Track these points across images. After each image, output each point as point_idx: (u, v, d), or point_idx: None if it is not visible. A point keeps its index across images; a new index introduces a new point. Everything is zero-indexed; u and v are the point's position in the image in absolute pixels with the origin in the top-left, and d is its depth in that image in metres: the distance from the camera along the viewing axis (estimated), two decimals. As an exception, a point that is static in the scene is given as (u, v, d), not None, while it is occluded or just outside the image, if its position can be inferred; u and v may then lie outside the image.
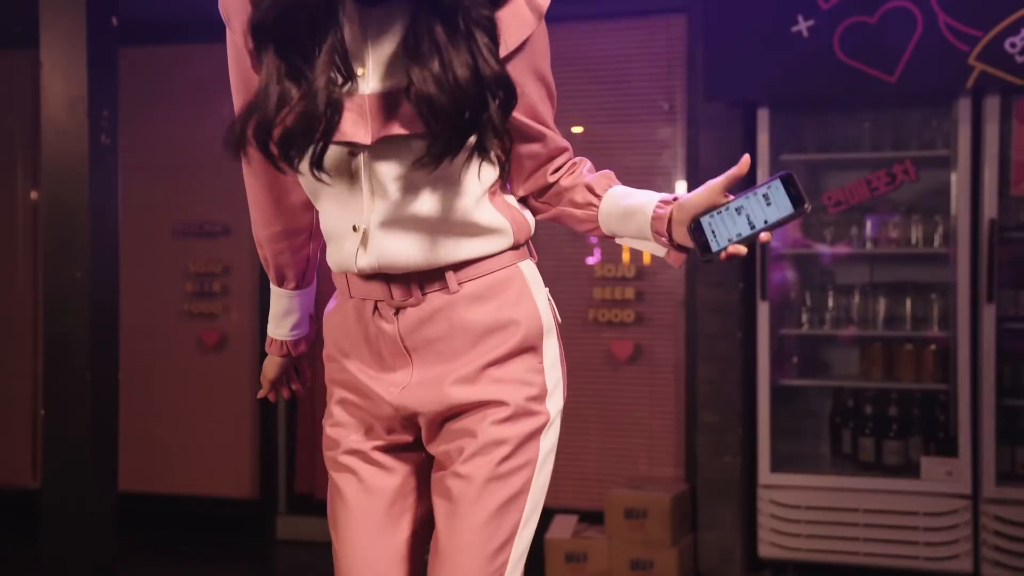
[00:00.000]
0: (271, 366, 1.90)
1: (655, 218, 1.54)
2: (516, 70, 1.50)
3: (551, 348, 1.60)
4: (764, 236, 1.46)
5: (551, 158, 1.62)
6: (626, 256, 4.58)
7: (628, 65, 4.62)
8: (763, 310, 4.17)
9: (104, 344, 3.05)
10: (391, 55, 1.45)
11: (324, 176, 1.47)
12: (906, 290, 4.27)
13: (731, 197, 1.49)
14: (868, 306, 4.30)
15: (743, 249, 1.47)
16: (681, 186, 4.51)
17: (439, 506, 1.54)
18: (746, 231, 1.46)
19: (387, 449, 1.61)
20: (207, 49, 4.99)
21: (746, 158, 1.49)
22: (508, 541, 1.51)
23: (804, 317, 4.37)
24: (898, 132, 4.25)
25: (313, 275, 1.83)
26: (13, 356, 5.21)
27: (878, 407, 4.23)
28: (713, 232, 1.48)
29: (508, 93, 1.45)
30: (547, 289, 1.64)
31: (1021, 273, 4.11)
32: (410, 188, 1.49)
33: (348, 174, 1.50)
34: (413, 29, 1.41)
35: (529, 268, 1.61)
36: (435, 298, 1.54)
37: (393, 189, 1.49)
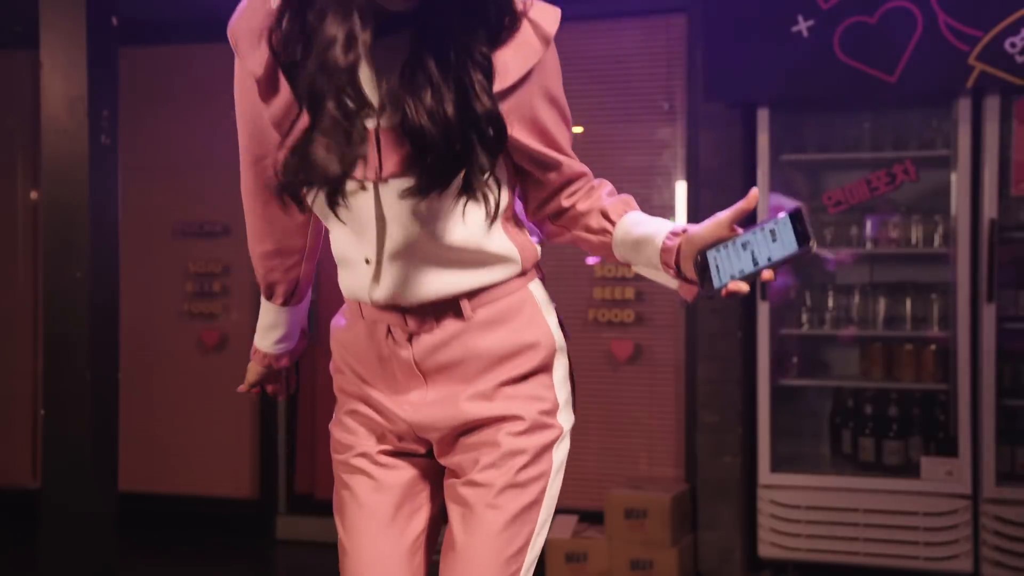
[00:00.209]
0: (252, 372, 1.89)
1: (664, 250, 1.51)
2: (524, 97, 1.48)
3: (561, 366, 1.62)
4: (766, 274, 1.43)
5: (566, 184, 1.60)
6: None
7: (628, 65, 4.62)
8: (763, 310, 4.17)
9: (104, 344, 3.05)
10: (396, 89, 1.43)
11: (338, 211, 1.46)
12: (906, 290, 4.27)
13: (739, 231, 1.45)
14: (868, 306, 4.30)
15: (744, 287, 1.43)
16: (681, 186, 4.52)
17: (454, 511, 1.55)
18: (749, 268, 1.43)
19: (397, 454, 1.62)
20: (207, 49, 5.00)
21: (754, 192, 1.45)
22: (523, 549, 1.52)
23: (804, 317, 4.37)
24: (898, 132, 4.25)
25: (304, 294, 1.82)
26: (13, 356, 5.21)
27: (878, 407, 4.23)
28: (717, 267, 1.45)
29: (498, 131, 1.43)
30: (555, 304, 1.64)
31: (1021, 273, 4.11)
32: (420, 220, 1.48)
33: (359, 207, 1.49)
34: (410, 62, 1.40)
35: (538, 289, 1.62)
36: (450, 324, 1.55)
37: (404, 222, 1.48)
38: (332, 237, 1.59)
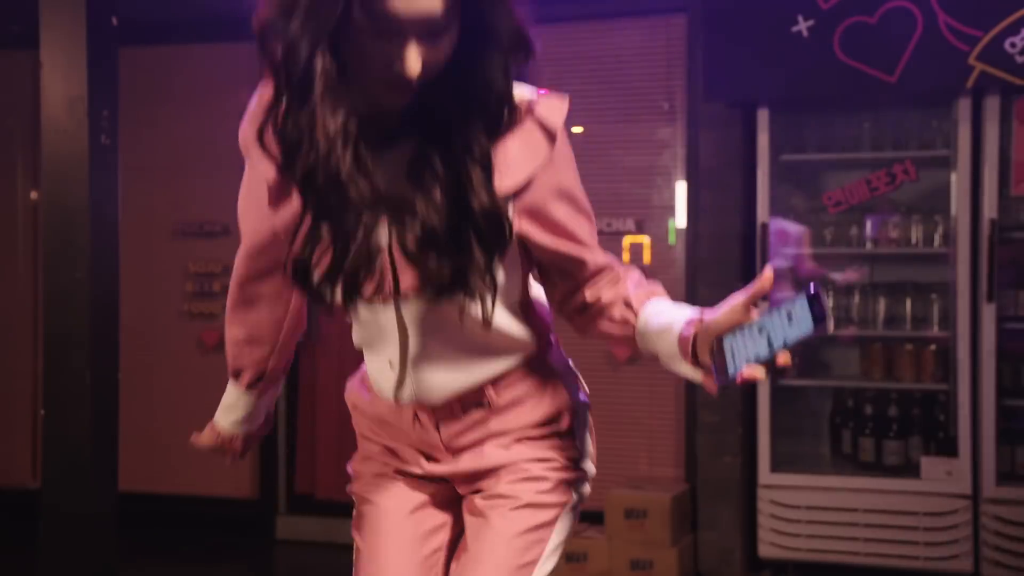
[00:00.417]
0: (205, 438, 1.83)
1: (681, 339, 1.43)
2: (535, 196, 1.42)
3: (582, 424, 1.66)
4: (782, 359, 1.35)
5: (590, 277, 1.54)
6: (626, 256, 4.58)
7: (628, 65, 4.62)
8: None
9: (104, 344, 3.04)
10: (402, 190, 1.39)
11: (358, 312, 1.49)
12: (906, 290, 4.27)
13: (755, 315, 1.39)
14: (868, 306, 4.30)
15: (760, 373, 1.35)
16: (681, 186, 4.51)
17: (470, 523, 1.57)
18: (764, 352, 1.36)
19: (419, 476, 1.64)
20: (207, 49, 5.01)
21: (768, 272, 1.38)
22: (533, 563, 1.53)
23: (804, 317, 4.36)
24: (898, 132, 4.25)
25: (269, 387, 1.78)
26: (13, 356, 5.21)
27: (878, 407, 4.23)
28: (733, 354, 1.39)
29: (497, 232, 1.38)
30: (571, 360, 1.67)
31: (1021, 273, 4.11)
32: (441, 321, 1.47)
33: (379, 314, 1.49)
34: (412, 163, 1.38)
35: (556, 357, 1.65)
36: (475, 412, 1.56)
37: (424, 324, 1.48)
38: (355, 329, 1.58)
